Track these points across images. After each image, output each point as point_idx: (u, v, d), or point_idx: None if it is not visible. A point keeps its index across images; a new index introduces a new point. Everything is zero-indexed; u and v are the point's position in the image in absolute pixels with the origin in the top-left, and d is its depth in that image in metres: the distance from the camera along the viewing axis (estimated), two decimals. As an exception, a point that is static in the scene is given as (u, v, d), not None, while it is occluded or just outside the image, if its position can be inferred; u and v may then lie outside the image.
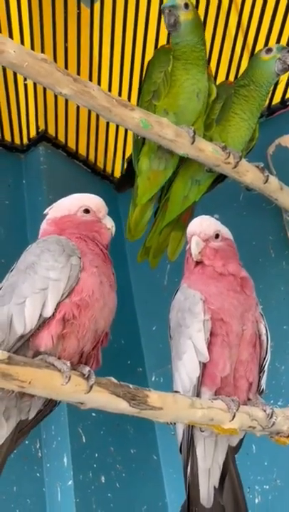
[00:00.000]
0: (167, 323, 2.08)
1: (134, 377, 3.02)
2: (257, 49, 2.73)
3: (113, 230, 1.90)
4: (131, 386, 1.71)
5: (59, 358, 1.61)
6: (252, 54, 2.82)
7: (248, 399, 2.00)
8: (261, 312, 2.09)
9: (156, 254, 2.69)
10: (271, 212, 2.92)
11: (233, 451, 2.05)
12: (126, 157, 3.36)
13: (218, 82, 2.66)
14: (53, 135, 3.36)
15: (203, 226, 2.06)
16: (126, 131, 3.22)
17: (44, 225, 1.89)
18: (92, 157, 3.49)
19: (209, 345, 1.93)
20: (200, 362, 1.92)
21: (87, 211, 1.87)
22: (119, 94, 3.05)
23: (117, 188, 3.39)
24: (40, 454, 2.69)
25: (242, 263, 2.11)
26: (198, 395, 1.92)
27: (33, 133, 3.35)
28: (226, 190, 2.77)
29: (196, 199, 2.62)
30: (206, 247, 2.03)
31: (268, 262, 2.93)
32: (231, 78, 2.94)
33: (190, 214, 2.63)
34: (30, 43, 2.91)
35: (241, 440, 2.07)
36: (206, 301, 1.96)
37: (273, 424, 1.96)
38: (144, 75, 2.59)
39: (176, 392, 1.89)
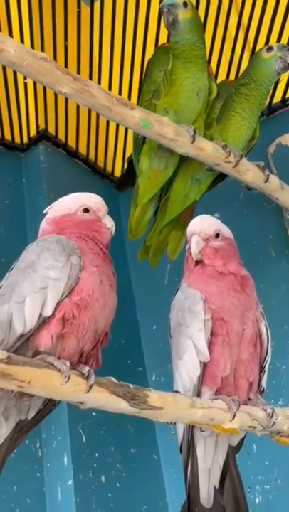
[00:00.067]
0: (167, 322, 2.08)
1: (134, 376, 3.02)
2: (257, 48, 2.72)
3: (113, 229, 1.90)
4: (131, 386, 1.71)
5: (59, 358, 1.61)
6: (252, 53, 2.82)
7: (249, 398, 2.00)
8: (262, 311, 2.08)
9: (156, 253, 2.68)
10: (272, 211, 2.92)
11: (233, 450, 2.04)
12: (126, 156, 3.36)
13: (218, 81, 2.66)
14: (53, 134, 3.35)
15: (203, 225, 2.05)
16: (126, 130, 3.22)
17: (44, 225, 1.89)
18: (92, 156, 3.48)
19: (210, 344, 1.92)
20: (200, 361, 1.92)
21: (87, 210, 1.86)
22: (120, 93, 3.04)
23: (118, 187, 3.40)
24: (40, 454, 2.69)
25: (242, 262, 2.10)
26: (198, 394, 1.91)
27: (33, 132, 3.34)
28: (227, 189, 2.77)
29: (197, 198, 2.61)
30: (206, 246, 2.03)
31: (269, 262, 2.93)
32: (232, 77, 2.94)
33: (190, 213, 2.62)
34: (30, 42, 2.90)
35: (242, 440, 2.06)
36: (206, 301, 1.95)
37: (274, 423, 1.96)
38: (144, 74, 2.58)
39: (177, 391, 1.89)
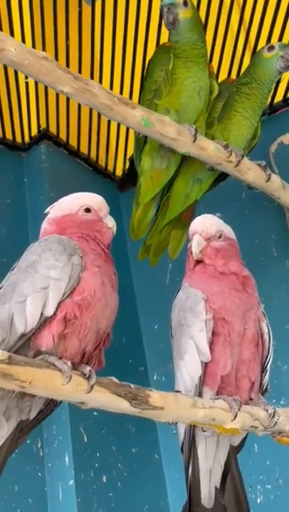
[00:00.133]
0: (169, 322, 2.07)
1: (135, 376, 3.02)
2: (259, 47, 2.72)
3: (114, 229, 1.89)
4: (132, 386, 1.70)
5: (60, 358, 1.61)
6: (254, 52, 2.82)
7: (250, 398, 1.99)
8: (263, 311, 2.08)
9: (156, 252, 2.68)
10: (273, 210, 2.91)
11: (235, 450, 2.04)
12: (127, 156, 3.35)
13: (220, 80, 2.66)
14: (55, 133, 3.36)
15: (205, 225, 2.05)
16: (127, 129, 3.22)
17: (45, 225, 1.88)
18: (93, 156, 3.48)
19: (211, 344, 1.92)
20: (202, 361, 1.92)
21: (88, 210, 1.86)
22: (121, 92, 3.04)
23: (119, 187, 3.40)
24: (41, 454, 2.69)
25: (244, 262, 2.10)
26: (200, 394, 1.91)
27: (34, 131, 3.34)
28: (228, 188, 2.77)
29: (198, 197, 2.61)
30: (207, 246, 2.02)
31: (270, 261, 2.93)
32: (233, 76, 2.93)
33: (191, 212, 2.62)
34: (32, 41, 2.90)
35: (243, 440, 2.06)
36: (207, 300, 1.95)
37: (275, 423, 1.95)
38: (145, 74, 2.58)
39: (178, 391, 1.89)
